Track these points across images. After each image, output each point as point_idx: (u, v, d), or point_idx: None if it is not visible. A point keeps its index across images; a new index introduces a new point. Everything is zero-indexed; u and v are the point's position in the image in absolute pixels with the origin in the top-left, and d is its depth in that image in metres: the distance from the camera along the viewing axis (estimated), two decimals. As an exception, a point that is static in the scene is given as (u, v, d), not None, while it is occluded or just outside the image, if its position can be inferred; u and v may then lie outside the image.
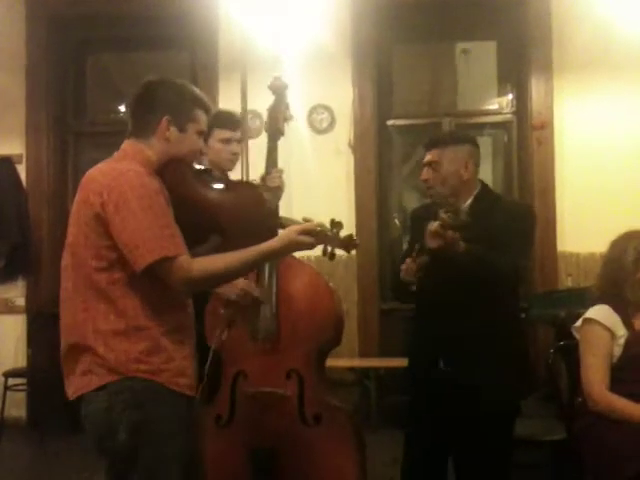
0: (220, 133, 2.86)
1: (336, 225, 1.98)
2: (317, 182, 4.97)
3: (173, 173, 1.98)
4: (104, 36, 5.68)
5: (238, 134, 2.93)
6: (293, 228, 1.97)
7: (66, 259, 1.97)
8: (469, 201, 2.59)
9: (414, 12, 5.27)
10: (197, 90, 2.06)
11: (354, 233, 2.04)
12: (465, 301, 2.46)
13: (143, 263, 1.82)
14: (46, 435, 4.80)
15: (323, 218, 2.02)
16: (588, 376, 2.57)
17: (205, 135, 2.12)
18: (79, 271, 1.91)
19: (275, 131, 2.84)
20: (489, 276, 2.42)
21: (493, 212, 2.53)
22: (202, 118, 2.04)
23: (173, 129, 1.98)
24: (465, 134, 2.73)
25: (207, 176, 2.07)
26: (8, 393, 4.94)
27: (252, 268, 2.20)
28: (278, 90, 2.86)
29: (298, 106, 5.04)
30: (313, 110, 5.14)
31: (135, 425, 1.85)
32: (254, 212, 2.03)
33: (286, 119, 2.84)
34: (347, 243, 2.00)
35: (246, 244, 1.93)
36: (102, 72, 6.06)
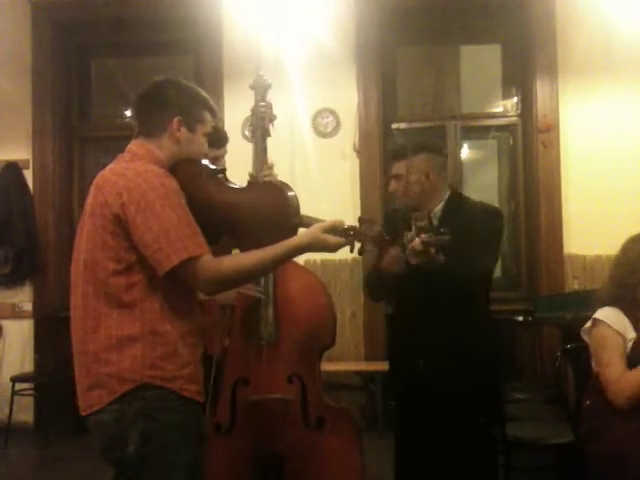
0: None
1: (365, 222, 1.94)
2: (322, 186, 4.94)
3: (184, 172, 1.94)
4: (109, 41, 5.70)
5: (223, 150, 2.89)
6: (319, 225, 1.91)
7: (76, 265, 1.91)
8: (440, 206, 2.67)
9: (418, 15, 5.28)
10: (204, 91, 2.04)
11: None
12: (441, 304, 2.53)
13: (168, 265, 1.78)
14: (53, 439, 4.80)
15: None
16: (606, 376, 2.54)
17: None
18: (91, 276, 1.85)
19: (262, 130, 2.77)
20: (463, 283, 2.49)
21: (462, 214, 2.58)
22: (209, 120, 2.01)
23: (184, 130, 1.95)
24: (424, 143, 2.77)
25: (222, 175, 2.00)
26: (15, 398, 4.95)
27: (278, 266, 2.11)
28: (259, 89, 2.80)
29: (303, 110, 5.07)
30: (318, 114, 5.14)
31: (146, 435, 1.81)
32: (276, 212, 1.92)
33: (271, 119, 2.80)
34: (379, 239, 1.98)
35: (262, 244, 1.87)
36: (107, 76, 6.08)
